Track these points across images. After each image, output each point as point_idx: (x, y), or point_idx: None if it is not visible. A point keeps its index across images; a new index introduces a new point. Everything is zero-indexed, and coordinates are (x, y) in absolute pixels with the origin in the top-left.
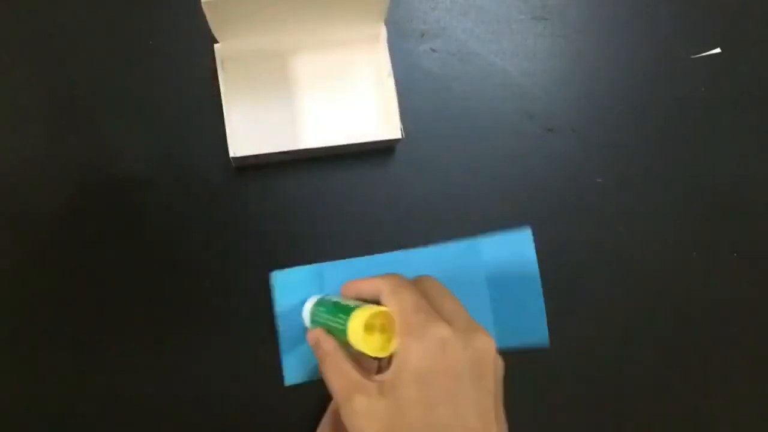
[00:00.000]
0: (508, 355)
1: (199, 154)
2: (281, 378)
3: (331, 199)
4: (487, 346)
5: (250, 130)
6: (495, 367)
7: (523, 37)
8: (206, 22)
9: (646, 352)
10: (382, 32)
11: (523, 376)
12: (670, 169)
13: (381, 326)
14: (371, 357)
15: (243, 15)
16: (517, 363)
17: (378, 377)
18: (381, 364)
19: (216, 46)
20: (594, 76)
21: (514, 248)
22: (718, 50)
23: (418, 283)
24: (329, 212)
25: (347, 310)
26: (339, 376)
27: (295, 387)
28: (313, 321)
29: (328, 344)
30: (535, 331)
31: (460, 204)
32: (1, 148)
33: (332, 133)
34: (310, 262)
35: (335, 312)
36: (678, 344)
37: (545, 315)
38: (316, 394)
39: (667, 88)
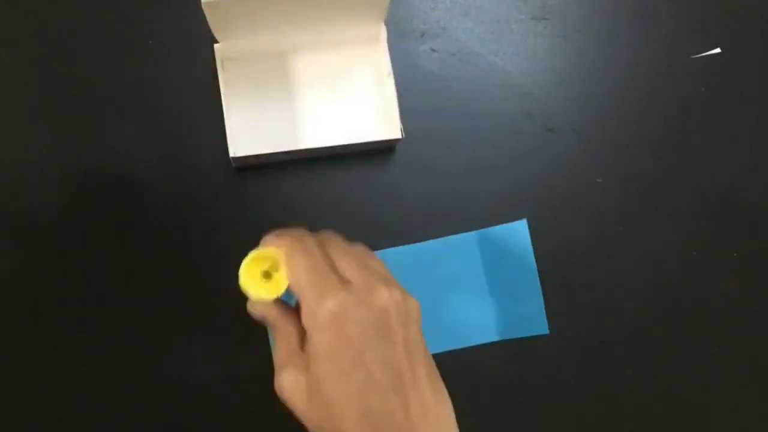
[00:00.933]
0: (506, 344)
1: (199, 154)
2: None
3: (332, 199)
4: (385, 299)
5: (250, 130)
6: (400, 317)
7: (523, 37)
8: (206, 22)
9: (645, 352)
10: (382, 32)
11: (521, 378)
12: (670, 169)
13: (274, 266)
14: (272, 300)
15: (243, 15)
16: (517, 361)
17: (304, 351)
18: None
19: (216, 46)
20: (594, 76)
21: (510, 239)
22: (718, 50)
23: (319, 241)
24: (329, 212)
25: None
26: (281, 345)
27: None
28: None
29: (274, 312)
30: (535, 319)
31: (460, 204)
32: (1, 148)
33: (332, 133)
34: None
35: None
36: (678, 344)
37: (543, 302)
38: None
39: (667, 88)
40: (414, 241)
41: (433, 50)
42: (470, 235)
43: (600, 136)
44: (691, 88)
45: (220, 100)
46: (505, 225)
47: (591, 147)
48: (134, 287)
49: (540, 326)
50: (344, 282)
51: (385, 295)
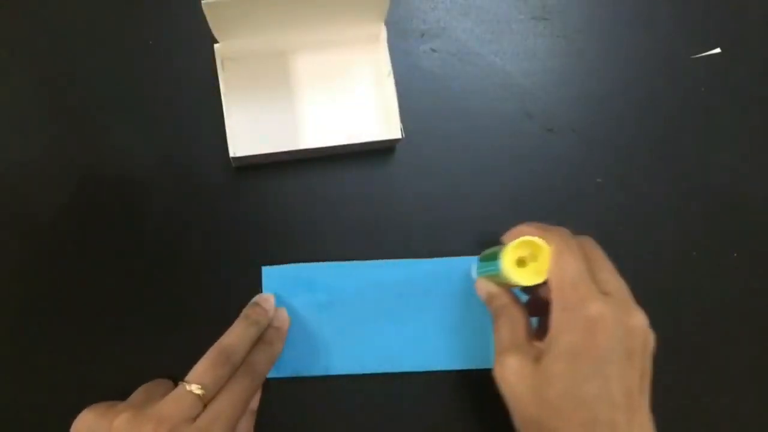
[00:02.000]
0: None
1: (199, 154)
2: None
3: (332, 199)
4: (639, 323)
5: (250, 130)
6: (644, 344)
7: (523, 37)
8: (206, 22)
9: None
10: (382, 32)
11: None
12: (670, 169)
13: (532, 255)
14: (527, 286)
15: (243, 15)
16: None
17: (537, 343)
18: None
19: (216, 46)
20: (594, 76)
21: None
22: (718, 50)
23: (581, 245)
24: (329, 212)
25: (498, 253)
26: (507, 330)
27: (284, 380)
28: (480, 273)
29: (504, 298)
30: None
31: (460, 204)
32: (1, 148)
33: (332, 133)
34: (309, 262)
35: (491, 259)
36: (678, 344)
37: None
38: (309, 390)
39: (667, 88)
40: (413, 241)
41: (433, 50)
42: (473, 260)
43: (600, 136)
44: (691, 88)
45: (220, 100)
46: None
47: (591, 147)
48: (134, 287)
49: None
50: (605, 292)
51: (640, 319)
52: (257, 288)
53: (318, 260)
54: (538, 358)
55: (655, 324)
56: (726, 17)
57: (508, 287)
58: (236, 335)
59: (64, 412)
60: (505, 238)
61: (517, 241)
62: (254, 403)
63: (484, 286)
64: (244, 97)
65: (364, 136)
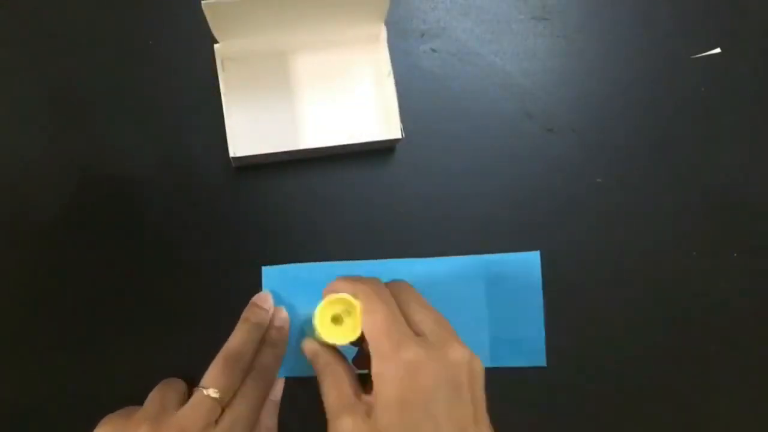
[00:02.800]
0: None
1: (199, 154)
2: None
3: (332, 199)
4: (458, 357)
5: (250, 130)
6: (470, 375)
7: (523, 37)
8: (206, 22)
9: (645, 351)
10: (382, 32)
11: (520, 379)
12: (670, 169)
13: (346, 311)
14: (344, 345)
15: (243, 15)
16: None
17: (366, 398)
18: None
19: (216, 46)
20: (594, 76)
21: (519, 270)
22: (718, 50)
23: (391, 289)
24: (329, 212)
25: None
26: (333, 391)
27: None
28: (308, 331)
29: (327, 356)
30: (533, 353)
31: (460, 204)
32: (0, 148)
33: (332, 133)
34: (309, 262)
35: (311, 318)
36: (678, 344)
37: (544, 338)
38: (309, 390)
39: (667, 88)
40: (413, 241)
41: (433, 50)
42: (478, 259)
43: (600, 136)
44: (691, 88)
45: (220, 100)
46: (516, 254)
47: (591, 147)
48: (134, 287)
49: (538, 359)
50: (419, 334)
51: (459, 352)
52: (257, 288)
53: (318, 260)
54: (369, 413)
55: (655, 324)
56: (726, 17)
57: (332, 345)
58: (240, 339)
59: (64, 411)
60: (324, 292)
61: (324, 301)
62: (277, 395)
63: (309, 346)
64: (244, 97)
65: (364, 136)
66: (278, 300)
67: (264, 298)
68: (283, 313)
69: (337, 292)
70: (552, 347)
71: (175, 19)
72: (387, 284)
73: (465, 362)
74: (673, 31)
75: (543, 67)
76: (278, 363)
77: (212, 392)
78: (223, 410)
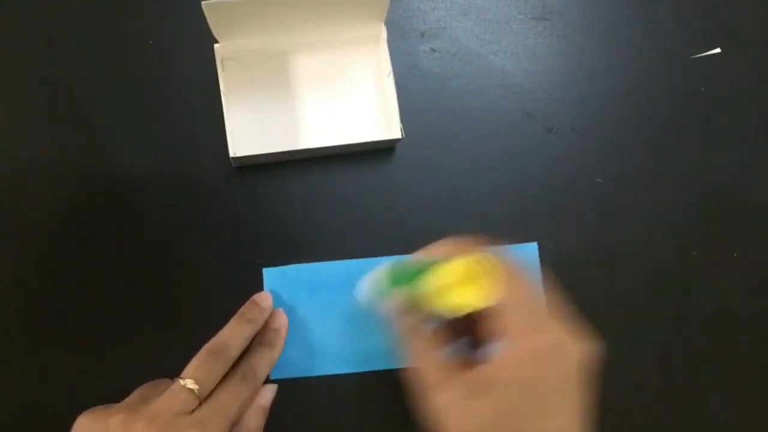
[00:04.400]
0: None
1: (199, 154)
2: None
3: (331, 199)
4: (590, 354)
5: (250, 130)
6: (592, 371)
7: (523, 37)
8: (206, 22)
9: (644, 351)
10: (382, 32)
11: None
12: (670, 169)
13: (467, 278)
14: (459, 313)
15: (243, 15)
16: None
17: (469, 374)
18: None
19: (216, 46)
20: (594, 76)
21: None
22: (718, 50)
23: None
24: (329, 212)
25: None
26: (427, 361)
27: (284, 380)
28: (390, 286)
29: (415, 319)
30: None
31: (460, 204)
32: (1, 148)
33: (332, 133)
34: (309, 262)
35: (410, 276)
36: (677, 344)
37: None
38: (309, 390)
39: (667, 88)
40: (413, 241)
41: (433, 50)
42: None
43: (600, 136)
44: (691, 88)
45: (220, 100)
46: (514, 246)
47: (591, 147)
48: (134, 287)
49: None
50: (556, 318)
51: (591, 349)
52: (257, 288)
53: (318, 260)
54: (474, 390)
55: (654, 323)
56: (726, 17)
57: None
58: (229, 331)
59: (63, 411)
60: (429, 252)
61: (462, 260)
62: (266, 400)
63: (396, 305)
64: (244, 97)
65: (364, 136)
66: (279, 301)
67: (263, 297)
68: (283, 317)
69: (454, 253)
70: None
71: (175, 19)
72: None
73: (593, 358)
74: (673, 31)
75: (543, 67)
76: (269, 365)
77: (189, 383)
78: (201, 402)
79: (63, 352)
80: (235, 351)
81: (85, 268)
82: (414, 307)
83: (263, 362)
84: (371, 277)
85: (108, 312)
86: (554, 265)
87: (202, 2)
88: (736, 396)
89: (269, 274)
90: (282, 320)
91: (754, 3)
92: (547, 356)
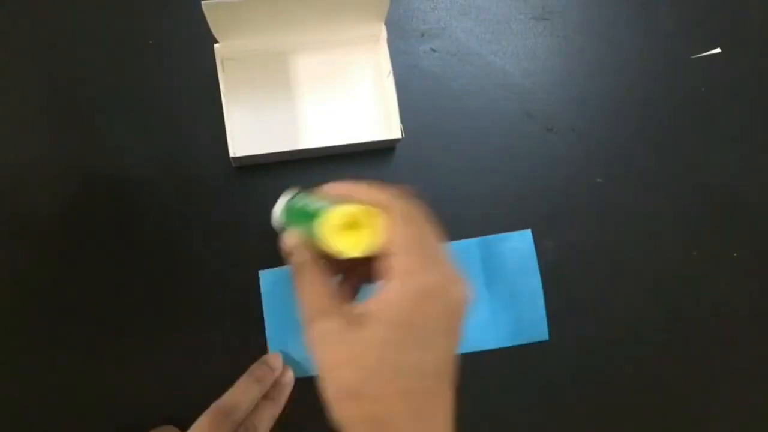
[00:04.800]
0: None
1: (199, 154)
2: None
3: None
4: (464, 296)
5: (250, 130)
6: (464, 315)
7: (523, 37)
8: (206, 22)
9: (645, 351)
10: (382, 32)
11: (521, 377)
12: (670, 169)
13: (355, 222)
14: (343, 257)
15: (243, 15)
16: (516, 361)
17: (350, 307)
18: (347, 292)
19: (216, 46)
20: (594, 76)
21: (514, 248)
22: (718, 50)
23: (412, 208)
24: None
25: (322, 210)
26: (310, 294)
27: None
28: (286, 221)
29: (304, 255)
30: (535, 327)
31: (459, 204)
32: (1, 149)
33: (332, 133)
34: None
35: (305, 215)
36: (678, 344)
37: (545, 310)
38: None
39: (667, 88)
40: None
41: (433, 50)
42: (472, 243)
43: (600, 136)
44: (691, 88)
45: (220, 100)
46: (508, 234)
47: (591, 147)
48: (134, 287)
49: (540, 333)
50: (435, 261)
51: (465, 292)
52: (256, 288)
53: None
54: (353, 323)
55: (655, 323)
56: (726, 17)
57: (311, 242)
58: (239, 393)
59: (63, 411)
60: (329, 189)
61: (348, 207)
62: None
63: (291, 238)
64: (244, 97)
65: (364, 136)
66: (276, 302)
67: (273, 358)
68: (289, 373)
69: (351, 198)
70: (553, 347)
71: (175, 19)
72: (404, 200)
73: (465, 305)
74: (673, 31)
75: (543, 67)
76: (272, 420)
77: None
78: None
79: (63, 352)
80: (243, 413)
81: (84, 267)
82: (308, 243)
83: (266, 418)
84: (277, 207)
85: (108, 312)
86: (554, 265)
87: (202, 2)
88: (736, 396)
89: (265, 276)
90: (288, 376)
91: (754, 3)
92: (425, 296)
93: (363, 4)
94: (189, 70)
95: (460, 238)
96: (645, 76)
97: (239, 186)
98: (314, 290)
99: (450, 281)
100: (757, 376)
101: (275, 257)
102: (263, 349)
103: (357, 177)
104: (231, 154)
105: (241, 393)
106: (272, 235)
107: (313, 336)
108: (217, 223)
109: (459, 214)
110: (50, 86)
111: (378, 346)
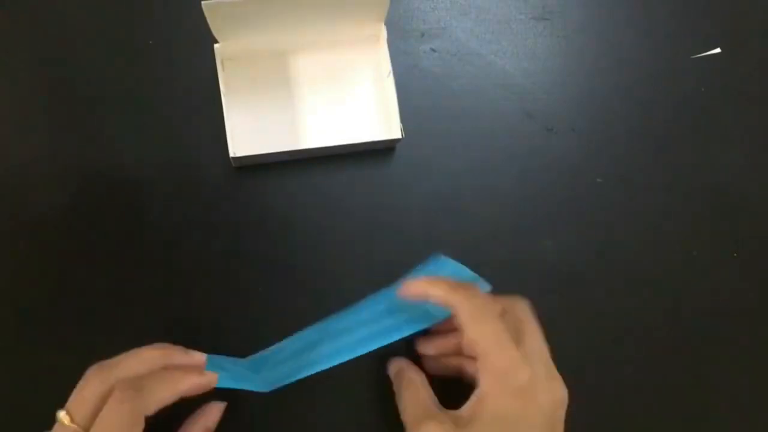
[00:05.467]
0: None
1: (199, 154)
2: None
3: (332, 199)
4: (562, 396)
5: (250, 130)
6: (563, 415)
7: (523, 37)
8: (206, 22)
9: (645, 351)
10: (382, 32)
11: None
12: (670, 169)
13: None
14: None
15: (243, 15)
16: None
17: (453, 412)
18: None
19: (216, 46)
20: (594, 76)
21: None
22: (718, 50)
23: (506, 307)
24: (329, 212)
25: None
26: (415, 402)
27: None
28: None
29: (413, 372)
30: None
31: (460, 204)
32: (1, 149)
33: (332, 133)
34: (309, 262)
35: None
36: (677, 344)
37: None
38: (303, 387)
39: (667, 88)
40: (413, 241)
41: (433, 50)
42: (388, 292)
43: (600, 136)
44: (691, 88)
45: (220, 100)
46: (425, 266)
47: (591, 147)
48: (134, 287)
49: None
50: (530, 362)
51: (563, 392)
52: (256, 287)
53: (318, 259)
54: (458, 424)
55: (655, 323)
56: (726, 17)
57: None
58: (132, 354)
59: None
60: (406, 290)
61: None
62: (211, 422)
63: (395, 364)
64: (244, 97)
65: (364, 136)
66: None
67: (198, 357)
68: (213, 378)
69: (425, 296)
70: (553, 346)
71: (175, 19)
72: (501, 300)
73: (565, 404)
74: (673, 31)
75: (543, 67)
76: (169, 390)
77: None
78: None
79: (62, 352)
80: (130, 372)
81: (84, 268)
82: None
83: (161, 388)
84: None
85: (107, 312)
86: (554, 265)
87: (202, 2)
88: (736, 396)
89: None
90: (212, 378)
91: (754, 3)
92: (521, 393)
93: (363, 4)
94: (189, 70)
95: (460, 238)
96: (645, 76)
97: (239, 186)
98: (419, 395)
99: (546, 378)
100: (757, 376)
101: (275, 257)
102: (263, 349)
103: (357, 177)
104: (231, 154)
105: (134, 354)
106: (272, 236)
107: None
108: (217, 224)
109: (459, 214)
110: (50, 87)
111: None
